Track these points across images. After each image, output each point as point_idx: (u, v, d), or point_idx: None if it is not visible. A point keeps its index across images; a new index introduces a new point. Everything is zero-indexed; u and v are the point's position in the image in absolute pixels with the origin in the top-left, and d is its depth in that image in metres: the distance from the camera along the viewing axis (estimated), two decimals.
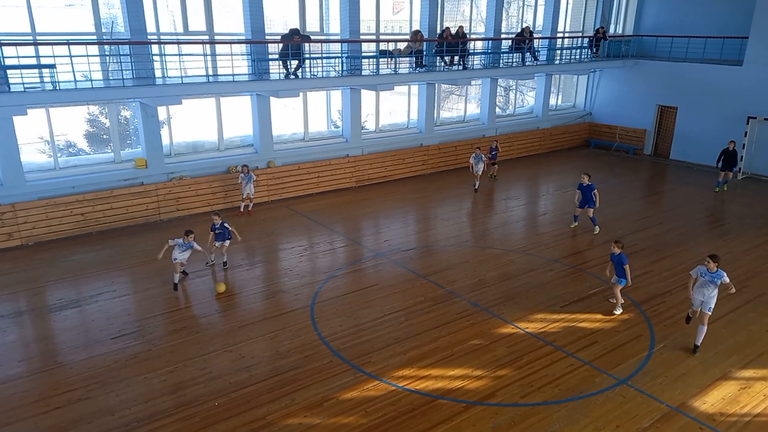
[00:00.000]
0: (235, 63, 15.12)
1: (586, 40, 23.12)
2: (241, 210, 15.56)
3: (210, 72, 14.89)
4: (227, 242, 11.89)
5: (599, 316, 10.11)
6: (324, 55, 17.09)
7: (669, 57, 22.52)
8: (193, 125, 16.16)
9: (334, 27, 17.53)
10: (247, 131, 16.74)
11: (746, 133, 19.27)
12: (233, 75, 14.77)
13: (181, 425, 7.28)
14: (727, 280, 8.63)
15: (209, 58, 14.93)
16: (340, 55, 16.96)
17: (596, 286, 11.24)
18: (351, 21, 17.02)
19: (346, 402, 7.75)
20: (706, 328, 8.92)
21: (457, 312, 10.24)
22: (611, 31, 24.41)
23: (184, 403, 7.72)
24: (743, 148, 19.30)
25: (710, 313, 8.80)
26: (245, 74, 15.59)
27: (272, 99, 16.17)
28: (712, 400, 7.81)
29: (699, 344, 8.96)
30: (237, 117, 16.50)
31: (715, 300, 8.77)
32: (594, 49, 22.87)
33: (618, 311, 10.19)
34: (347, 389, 8.02)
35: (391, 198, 17.28)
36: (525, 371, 8.46)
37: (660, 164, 21.93)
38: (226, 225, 11.76)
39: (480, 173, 17.81)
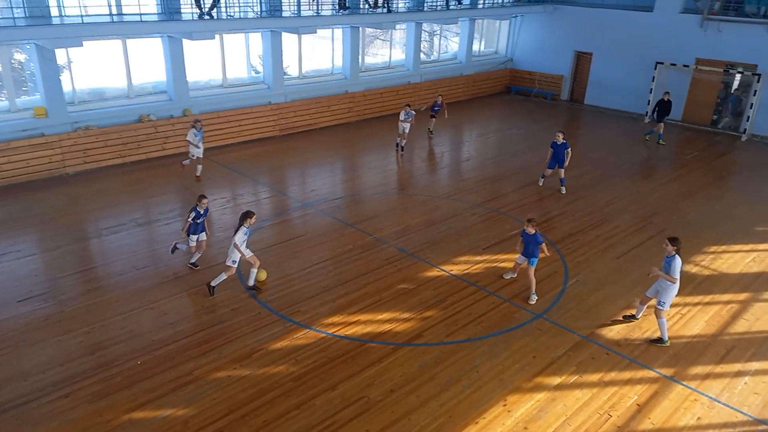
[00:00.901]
0: (143, 1, 13.94)
1: None
2: (183, 165, 13.86)
3: (114, 11, 13.67)
4: (204, 235, 9.66)
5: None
6: None
7: (586, 3, 23.04)
8: (97, 70, 14.93)
9: None
10: (160, 77, 15.68)
11: (654, 77, 20.30)
12: (140, 14, 13.64)
13: (103, 386, 7.03)
14: (676, 273, 7.69)
15: None
16: None
17: (516, 228, 11.72)
18: None
19: (276, 352, 7.76)
20: (663, 321, 7.99)
21: (385, 258, 10.38)
22: None
23: (104, 363, 7.43)
24: (650, 92, 20.35)
25: (663, 309, 7.92)
26: (154, 14, 14.45)
27: (185, 41, 15.15)
28: (618, 328, 8.49)
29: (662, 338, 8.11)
30: (147, 61, 15.37)
31: (668, 294, 7.84)
32: None
33: (534, 299, 9.03)
34: (276, 339, 8.01)
35: (317, 147, 16.97)
36: (450, 311, 8.78)
37: (575, 109, 22.79)
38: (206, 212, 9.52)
39: (407, 132, 16.06)
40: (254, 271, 9.14)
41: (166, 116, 15.48)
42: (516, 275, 9.73)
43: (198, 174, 13.85)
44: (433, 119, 17.94)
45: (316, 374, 7.35)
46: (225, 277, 8.89)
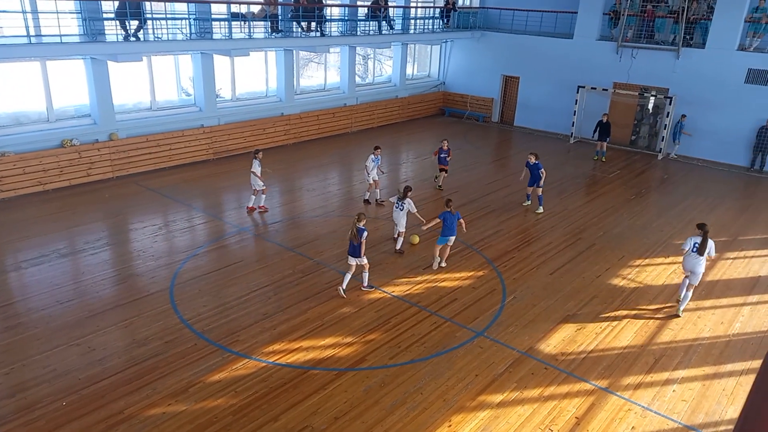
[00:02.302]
0: (63, 21, 13.33)
1: (437, 11, 23.92)
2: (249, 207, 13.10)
3: (32, 32, 12.98)
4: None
5: (458, 275, 10.77)
6: (169, 16, 15.72)
7: (511, 29, 24.15)
8: (15, 93, 14.08)
9: None
10: (83, 100, 14.97)
11: (576, 100, 21.45)
12: (60, 36, 13.02)
13: (25, 429, 6.49)
14: (713, 252, 9.35)
15: (29, 15, 12.98)
16: (187, 16, 15.70)
17: (455, 247, 11.92)
18: None
19: (214, 384, 7.45)
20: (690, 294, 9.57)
21: (326, 282, 10.27)
22: (459, 2, 25.50)
23: (25, 406, 6.88)
24: (574, 114, 21.49)
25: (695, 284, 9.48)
26: (75, 35, 13.83)
27: (111, 64, 14.58)
28: (555, 342, 8.76)
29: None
30: (70, 83, 14.66)
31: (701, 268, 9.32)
32: (445, 20, 23.76)
33: (437, 265, 10.85)
34: (215, 371, 7.71)
35: None
36: (393, 333, 8.77)
37: (506, 130, 23.66)
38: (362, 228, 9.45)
39: (375, 181, 13.99)
40: (401, 240, 11.20)
41: (90, 141, 14.77)
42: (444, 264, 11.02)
43: (261, 204, 13.36)
44: (443, 172, 15.56)
45: (258, 405, 7.11)
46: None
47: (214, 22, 16.44)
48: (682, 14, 19.20)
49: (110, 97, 14.96)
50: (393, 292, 10.03)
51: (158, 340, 8.35)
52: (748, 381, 7.96)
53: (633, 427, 7.07)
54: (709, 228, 9.45)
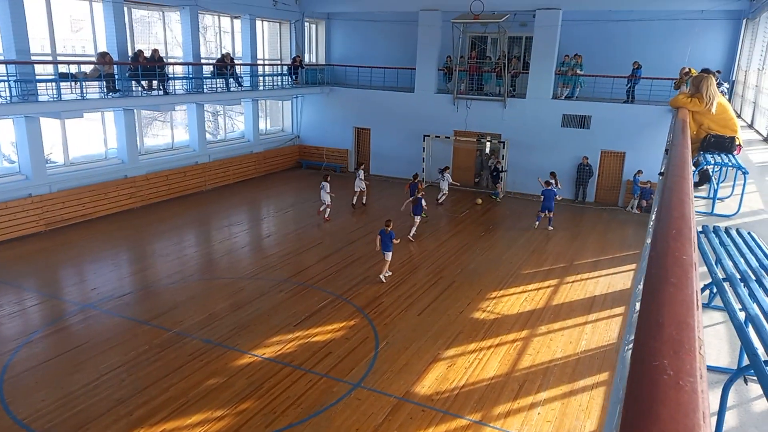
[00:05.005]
0: None
1: (285, 68, 24.37)
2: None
3: None
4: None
5: (330, 327, 10.66)
6: None
7: (357, 84, 25.35)
8: None
9: None
10: None
11: (423, 148, 22.94)
12: None
13: None
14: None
15: None
16: (6, 78, 14.14)
17: (324, 299, 11.83)
18: (17, 38, 14.40)
19: None
20: None
21: (189, 354, 9.53)
22: (306, 60, 26.28)
23: None
24: (423, 161, 22.91)
25: None
26: None
27: None
28: (428, 383, 8.96)
29: None
30: None
31: None
32: (294, 77, 24.27)
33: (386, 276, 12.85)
34: None
35: (95, 239, 15.20)
36: (267, 399, 8.34)
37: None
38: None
39: (327, 204, 17.29)
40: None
41: None
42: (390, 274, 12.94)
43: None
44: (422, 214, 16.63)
45: None
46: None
47: (39, 84, 14.99)
48: (504, 69, 21.69)
49: None
50: (264, 354, 9.60)
51: None
52: (599, 394, 8.80)
53: None
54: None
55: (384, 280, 12.84)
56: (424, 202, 16.17)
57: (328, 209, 17.44)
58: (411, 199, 16.40)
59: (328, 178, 17.28)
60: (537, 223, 17.52)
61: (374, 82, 25.02)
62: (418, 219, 15.87)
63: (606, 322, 11.31)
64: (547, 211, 17.11)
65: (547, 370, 9.50)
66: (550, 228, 17.30)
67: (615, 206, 20.73)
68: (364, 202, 19.25)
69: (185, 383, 8.66)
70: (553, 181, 17.74)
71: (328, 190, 17.02)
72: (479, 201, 19.83)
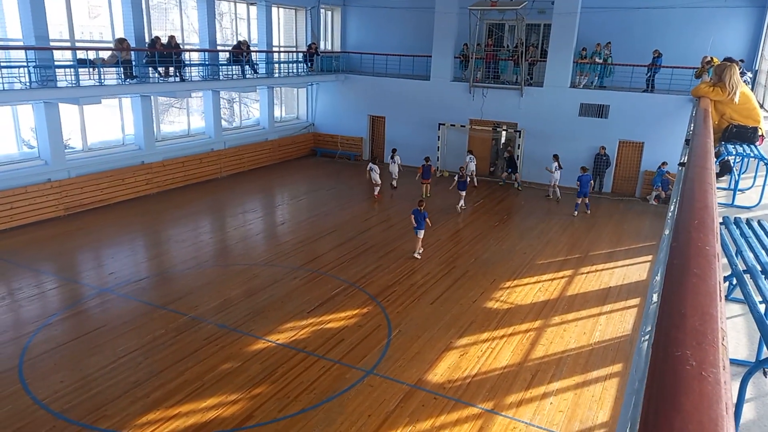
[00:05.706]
0: None
1: (301, 55, 24.32)
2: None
3: None
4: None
5: (343, 314, 10.71)
6: (3, 64, 14.21)
7: (373, 72, 25.22)
8: None
9: (14, 31, 14.75)
10: None
11: (439, 137, 22.80)
12: None
13: None
14: None
15: None
16: (25, 64, 14.30)
17: (338, 287, 11.88)
18: (36, 24, 14.52)
19: None
20: None
21: (204, 338, 9.65)
22: (322, 47, 26.19)
23: None
24: (438, 150, 22.79)
25: None
26: None
27: None
28: (441, 371, 8.98)
29: None
30: None
31: None
32: (309, 64, 24.21)
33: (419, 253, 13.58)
34: None
35: (113, 224, 15.39)
36: (281, 384, 8.42)
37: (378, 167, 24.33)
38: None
39: (378, 183, 19.03)
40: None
41: None
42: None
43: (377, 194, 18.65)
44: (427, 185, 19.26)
45: None
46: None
47: (58, 69, 15.15)
48: (521, 57, 21.42)
49: None
50: (278, 340, 9.69)
51: (6, 428, 7.21)
52: (613, 385, 8.76)
53: None
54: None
55: (419, 257, 13.56)
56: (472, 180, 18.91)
57: (378, 187, 19.00)
58: (456, 177, 18.25)
59: (377, 161, 19.33)
60: (576, 211, 17.85)
61: (389, 69, 24.87)
62: (463, 193, 17.69)
63: (621, 314, 11.23)
64: (583, 197, 17.58)
65: (560, 360, 9.46)
66: (588, 213, 17.94)
67: (632, 197, 20.47)
68: (395, 185, 20.23)
69: (200, 367, 8.78)
70: (581, 168, 18.04)
71: (378, 172, 18.78)
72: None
